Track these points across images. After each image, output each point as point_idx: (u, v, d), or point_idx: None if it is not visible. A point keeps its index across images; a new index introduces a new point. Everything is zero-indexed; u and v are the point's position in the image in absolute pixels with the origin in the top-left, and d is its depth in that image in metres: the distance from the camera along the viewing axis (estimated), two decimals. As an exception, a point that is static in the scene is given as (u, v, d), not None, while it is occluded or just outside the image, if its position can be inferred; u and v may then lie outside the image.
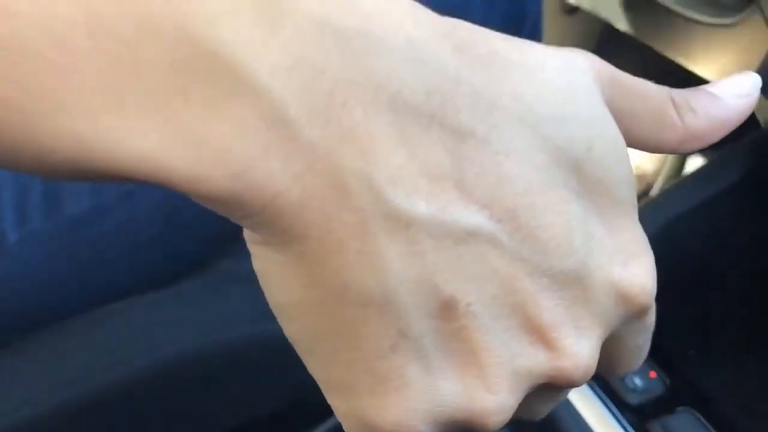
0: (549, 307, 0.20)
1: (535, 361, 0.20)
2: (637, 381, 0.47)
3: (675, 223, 0.60)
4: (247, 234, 0.20)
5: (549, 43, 0.87)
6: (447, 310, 0.19)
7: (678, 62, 0.82)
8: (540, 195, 0.19)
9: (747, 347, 0.65)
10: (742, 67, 0.69)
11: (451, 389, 0.20)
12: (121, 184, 0.46)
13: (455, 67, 0.18)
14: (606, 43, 1.33)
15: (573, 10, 1.28)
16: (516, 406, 0.21)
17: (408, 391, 0.20)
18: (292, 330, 0.21)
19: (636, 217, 0.22)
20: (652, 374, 0.48)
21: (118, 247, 0.50)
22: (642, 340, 0.25)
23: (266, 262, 0.20)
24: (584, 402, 0.47)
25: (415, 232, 0.18)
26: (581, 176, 0.20)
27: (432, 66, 0.18)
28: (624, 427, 0.46)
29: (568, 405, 0.47)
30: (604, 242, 0.21)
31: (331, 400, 0.21)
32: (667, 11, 0.78)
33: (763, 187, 0.62)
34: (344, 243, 0.18)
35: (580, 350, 0.20)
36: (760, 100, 0.57)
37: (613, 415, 0.46)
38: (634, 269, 0.22)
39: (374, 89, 0.17)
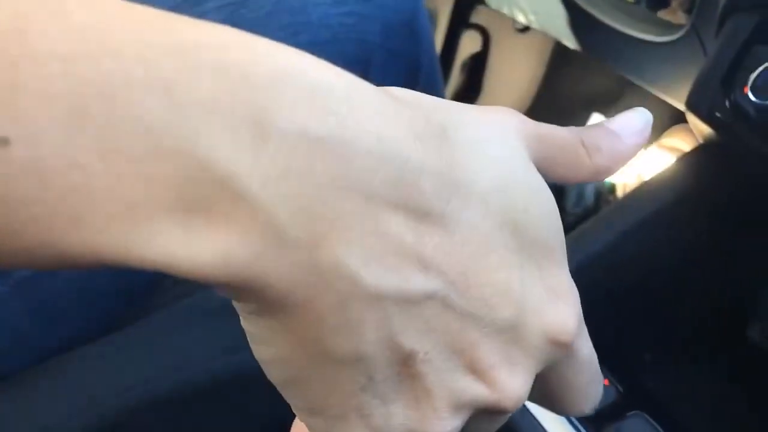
0: (488, 350, 0.23)
1: (477, 394, 0.24)
2: (592, 389, 0.49)
3: (623, 236, 0.62)
4: (235, 303, 0.23)
5: (504, 59, 0.91)
6: (407, 360, 0.23)
7: (622, 75, 0.85)
8: (485, 257, 0.23)
9: (697, 353, 0.67)
10: (680, 81, 0.73)
11: (408, 417, 0.23)
12: None
13: (417, 158, 0.21)
14: (556, 58, 1.37)
15: (525, 29, 1.31)
16: (460, 427, 0.24)
17: (372, 419, 0.23)
18: (275, 376, 0.24)
19: (565, 262, 0.26)
20: (606, 382, 0.50)
21: (71, 301, 0.50)
22: (583, 379, 0.27)
23: (255, 327, 0.23)
24: (542, 411, 0.49)
25: (385, 303, 0.21)
26: (518, 235, 0.24)
27: (399, 160, 0.21)
28: (580, 434, 0.48)
29: (527, 413, 0.49)
30: (536, 289, 0.24)
31: (306, 421, 0.25)
32: (611, 30, 0.80)
33: (703, 199, 0.65)
34: (324, 318, 0.21)
35: (512, 384, 0.24)
36: (694, 119, 0.59)
37: (570, 422, 0.48)
38: (559, 309, 0.25)
39: (351, 186, 0.20)
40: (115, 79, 0.18)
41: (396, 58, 0.58)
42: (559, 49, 1.34)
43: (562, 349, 0.25)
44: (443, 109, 0.24)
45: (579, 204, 1.04)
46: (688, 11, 0.71)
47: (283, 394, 0.25)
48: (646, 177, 0.70)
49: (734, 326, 0.70)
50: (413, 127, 0.22)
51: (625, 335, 0.60)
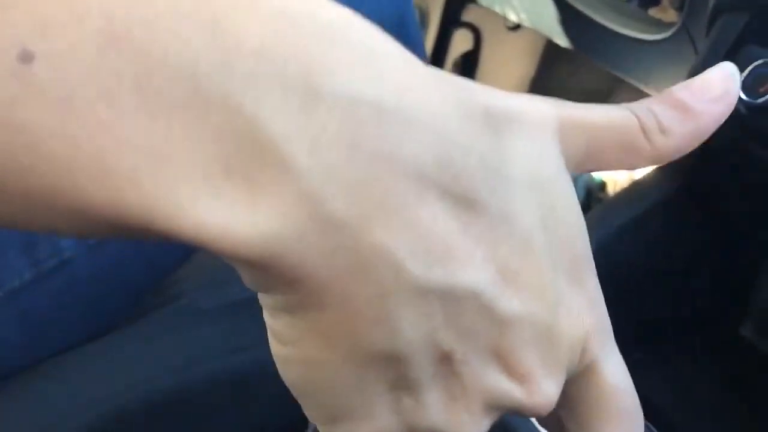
0: (526, 354, 0.22)
1: (513, 397, 0.22)
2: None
3: (613, 235, 0.62)
4: (262, 298, 0.21)
5: (495, 57, 0.91)
6: (444, 359, 0.21)
7: (613, 73, 0.85)
8: (525, 256, 0.21)
9: (689, 352, 0.67)
10: (671, 78, 0.73)
11: (439, 416, 0.22)
12: (58, 253, 0.47)
13: (467, 139, 0.19)
14: (548, 56, 1.37)
15: (516, 27, 1.31)
16: (488, 426, 0.23)
17: (400, 419, 0.22)
18: (295, 378, 0.22)
19: (593, 268, 0.24)
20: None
21: (61, 312, 0.50)
22: (610, 410, 0.25)
23: (281, 323, 0.20)
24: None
25: (429, 298, 0.19)
26: (551, 235, 0.21)
27: (451, 140, 0.19)
28: (573, 434, 0.47)
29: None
30: (571, 296, 0.23)
31: (326, 429, 0.23)
32: (602, 28, 0.81)
33: (694, 198, 0.65)
34: (362, 312, 0.19)
35: (548, 389, 0.22)
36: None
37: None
38: (593, 315, 0.23)
39: (403, 164, 0.18)
40: (158, 2, 0.16)
41: None
42: (550, 47, 1.34)
43: (588, 355, 0.23)
44: (483, 90, 0.21)
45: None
46: (679, 9, 0.71)
47: (301, 400, 0.22)
48: (637, 175, 0.70)
49: (727, 325, 0.70)
50: (461, 106, 0.20)
51: (617, 334, 0.60)
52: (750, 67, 0.51)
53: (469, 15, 1.28)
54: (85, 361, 0.53)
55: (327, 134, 0.17)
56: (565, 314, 0.22)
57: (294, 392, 0.23)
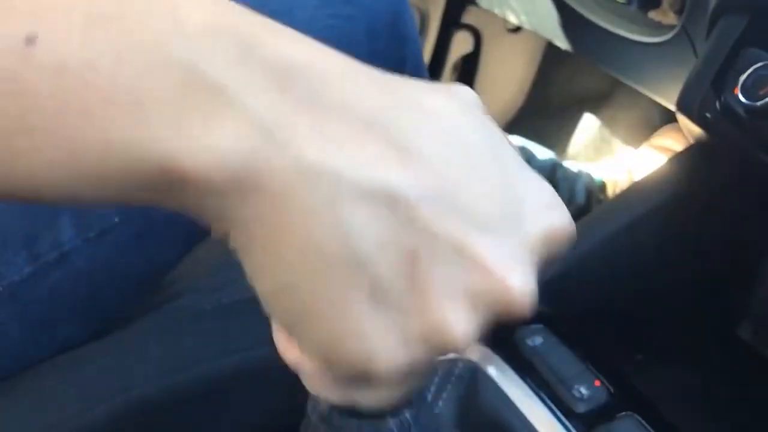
0: (489, 247, 0.24)
1: (487, 288, 0.24)
2: (583, 390, 0.50)
3: (614, 236, 0.63)
4: (233, 240, 0.24)
5: (495, 59, 0.91)
6: (411, 261, 0.23)
7: (613, 75, 0.85)
8: (472, 165, 0.24)
9: (688, 353, 0.67)
10: (671, 81, 0.73)
11: (423, 322, 0.23)
12: (58, 246, 0.47)
13: (378, 87, 0.25)
14: (548, 58, 1.37)
15: (516, 29, 1.31)
16: (478, 331, 0.24)
17: (386, 330, 0.23)
18: (281, 311, 0.24)
19: (543, 178, 0.27)
20: (597, 383, 0.50)
21: (61, 308, 0.50)
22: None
23: (248, 251, 0.23)
24: (533, 412, 0.49)
25: (375, 202, 0.22)
26: (486, 143, 0.26)
27: (365, 88, 0.24)
28: (572, 435, 0.48)
29: (519, 414, 0.49)
30: (530, 191, 0.26)
31: (301, 356, 0.25)
32: (602, 30, 0.81)
33: (694, 200, 0.65)
34: (318, 217, 0.22)
35: (519, 278, 0.24)
36: (684, 119, 0.60)
37: (561, 423, 0.48)
38: (556, 212, 0.26)
39: (331, 103, 0.23)
40: None
41: (381, 59, 0.58)
42: (550, 49, 1.34)
43: (561, 249, 0.26)
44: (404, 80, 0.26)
45: (571, 203, 1.05)
46: (679, 12, 0.71)
47: (295, 334, 0.25)
48: (638, 177, 0.70)
49: (725, 326, 0.70)
50: (370, 72, 0.25)
51: (617, 336, 0.60)
52: (750, 70, 0.51)
53: (469, 17, 1.28)
54: (84, 361, 0.53)
55: (260, 83, 0.22)
56: (531, 209, 0.25)
57: (287, 328, 0.25)
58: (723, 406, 0.64)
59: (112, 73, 0.20)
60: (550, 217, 0.26)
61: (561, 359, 0.52)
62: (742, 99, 0.51)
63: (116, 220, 0.49)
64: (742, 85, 0.51)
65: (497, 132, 0.27)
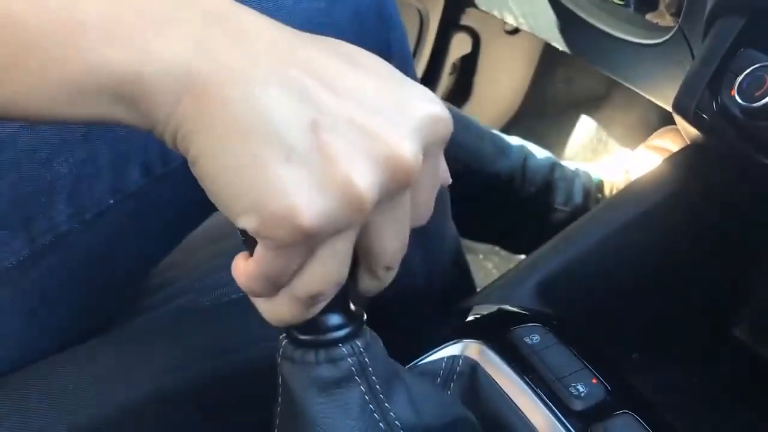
0: (378, 120, 0.30)
1: (383, 152, 0.30)
2: (580, 387, 0.50)
3: (611, 236, 0.63)
4: (174, 134, 0.30)
5: (493, 61, 0.91)
6: (314, 128, 0.29)
7: (610, 76, 0.86)
8: (368, 72, 0.32)
9: (685, 352, 0.68)
10: (668, 82, 0.73)
11: (332, 176, 0.29)
12: (54, 228, 0.47)
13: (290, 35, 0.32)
14: (545, 60, 1.37)
15: (514, 31, 1.31)
16: (377, 186, 0.30)
17: (304, 184, 0.29)
18: (218, 185, 0.30)
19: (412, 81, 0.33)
20: (594, 381, 0.51)
21: (57, 288, 0.50)
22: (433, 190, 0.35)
23: (191, 141, 0.29)
24: (531, 409, 0.49)
25: (287, 82, 0.29)
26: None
27: (276, 36, 0.31)
28: (569, 432, 0.48)
29: (517, 412, 0.50)
30: (414, 94, 0.32)
31: (245, 222, 0.30)
32: (600, 32, 0.81)
33: (691, 200, 0.66)
34: (235, 104, 0.28)
35: (406, 145, 0.30)
36: (681, 120, 0.60)
37: (559, 421, 0.49)
38: (436, 107, 0.32)
39: (248, 33, 0.30)
40: None
41: (368, 40, 0.59)
42: (548, 50, 1.35)
43: (444, 133, 0.32)
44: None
45: (568, 203, 1.05)
46: (676, 14, 0.72)
47: (229, 204, 0.30)
48: (635, 177, 0.71)
49: (721, 325, 0.71)
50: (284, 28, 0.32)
51: (614, 334, 0.60)
52: (746, 71, 0.52)
53: (468, 19, 1.28)
54: (82, 360, 0.53)
55: (201, 19, 0.30)
56: (412, 96, 0.32)
57: (226, 204, 0.30)
58: (719, 404, 0.65)
59: (91, 10, 0.28)
60: (430, 107, 0.32)
61: (558, 357, 0.52)
62: (739, 100, 0.51)
63: (111, 201, 0.49)
64: (739, 87, 0.52)
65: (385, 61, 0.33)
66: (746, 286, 0.69)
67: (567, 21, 0.87)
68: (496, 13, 1.02)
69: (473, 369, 0.52)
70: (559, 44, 0.91)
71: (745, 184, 0.64)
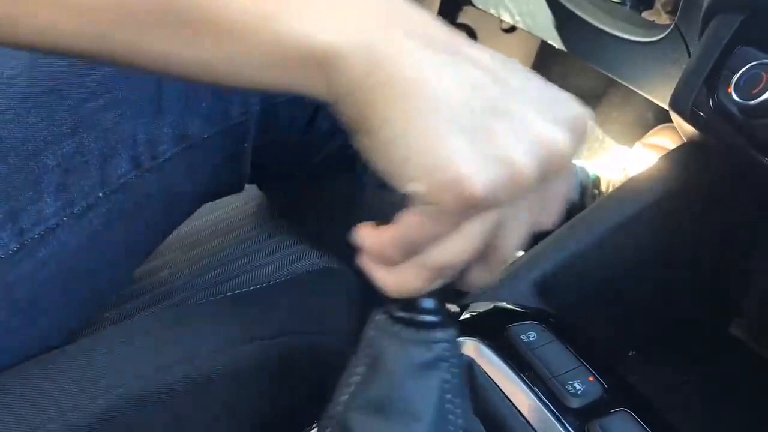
0: (544, 122, 0.33)
1: (542, 140, 0.33)
2: (577, 385, 0.50)
3: (608, 234, 0.63)
4: (352, 106, 0.32)
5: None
6: (487, 111, 0.32)
7: (607, 74, 0.85)
8: (523, 78, 0.35)
9: (682, 350, 0.68)
10: (664, 80, 0.73)
11: (500, 149, 0.32)
12: (42, 221, 0.47)
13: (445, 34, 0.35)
14: (542, 58, 1.37)
15: (511, 29, 1.31)
16: (537, 166, 0.32)
17: (477, 157, 0.31)
18: (392, 153, 0.32)
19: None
20: (591, 379, 0.51)
21: (47, 282, 0.50)
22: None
23: (367, 113, 0.32)
24: (528, 407, 0.49)
25: (453, 60, 0.32)
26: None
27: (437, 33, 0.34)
28: (566, 430, 0.48)
29: (514, 409, 0.50)
30: (562, 97, 0.36)
31: (415, 186, 0.32)
32: (596, 30, 0.81)
33: (687, 198, 0.66)
34: (425, 75, 0.31)
35: (562, 137, 0.33)
36: (678, 118, 0.60)
37: (556, 418, 0.48)
38: (580, 108, 0.35)
39: (418, 32, 0.33)
40: None
41: None
42: (544, 48, 1.35)
43: (584, 131, 0.35)
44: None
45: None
46: (672, 12, 0.72)
47: (403, 170, 0.32)
48: (632, 174, 0.71)
49: (718, 323, 0.71)
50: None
51: (611, 332, 0.61)
52: (743, 69, 0.52)
53: (464, 16, 1.28)
54: (76, 357, 0.53)
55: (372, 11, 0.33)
56: (560, 103, 0.35)
57: (400, 170, 0.32)
58: (715, 402, 0.65)
59: None
60: (579, 107, 0.35)
61: (555, 355, 0.52)
62: (736, 98, 0.51)
63: (99, 194, 0.49)
64: (736, 84, 0.52)
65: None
66: (743, 284, 0.69)
67: (563, 19, 0.87)
68: (492, 11, 1.02)
69: (470, 367, 0.52)
70: (556, 42, 0.91)
71: (742, 182, 0.64)
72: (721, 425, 0.63)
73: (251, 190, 0.75)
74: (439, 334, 0.39)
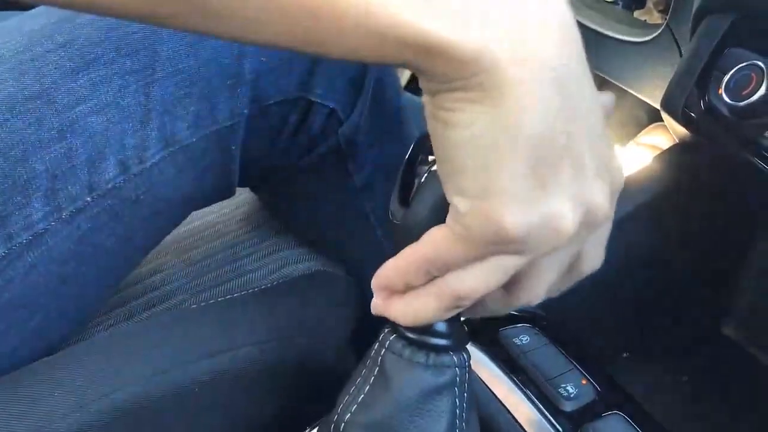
0: (598, 177, 0.33)
1: (589, 199, 0.32)
2: (570, 389, 0.50)
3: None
4: (443, 97, 0.31)
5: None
6: (555, 154, 0.31)
7: (598, 74, 0.85)
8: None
9: (674, 352, 0.68)
10: (655, 80, 0.73)
11: (545, 203, 0.31)
12: (30, 226, 0.47)
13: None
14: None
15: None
16: (577, 224, 0.32)
17: (518, 198, 0.31)
18: (461, 156, 0.31)
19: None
20: (584, 382, 0.51)
21: (36, 288, 0.50)
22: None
23: (463, 112, 0.30)
24: (521, 410, 0.49)
25: (554, 84, 0.30)
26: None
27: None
28: (559, 433, 0.48)
29: (506, 412, 0.50)
30: (617, 159, 0.35)
31: (457, 201, 0.32)
32: (587, 29, 0.81)
33: (679, 198, 0.66)
34: (526, 98, 0.30)
35: (609, 203, 0.34)
36: (669, 118, 0.60)
37: (548, 421, 0.49)
38: (622, 175, 0.36)
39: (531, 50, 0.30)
40: None
41: None
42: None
43: (617, 191, 0.35)
44: None
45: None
46: (664, 12, 0.72)
47: (460, 175, 0.31)
48: (625, 174, 0.70)
49: (710, 324, 0.71)
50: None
51: (603, 334, 0.61)
52: (733, 70, 0.52)
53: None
54: (71, 363, 0.52)
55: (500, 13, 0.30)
56: (613, 165, 0.34)
57: (456, 169, 0.31)
58: (708, 403, 0.65)
59: None
60: (622, 176, 0.35)
61: (548, 358, 0.52)
62: (726, 99, 0.51)
63: (88, 199, 0.49)
64: (726, 85, 0.52)
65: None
66: (735, 284, 0.70)
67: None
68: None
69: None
70: (548, 42, 0.91)
71: (734, 182, 0.64)
72: (714, 426, 0.63)
73: (243, 194, 0.75)
74: (451, 358, 0.38)
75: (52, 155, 0.47)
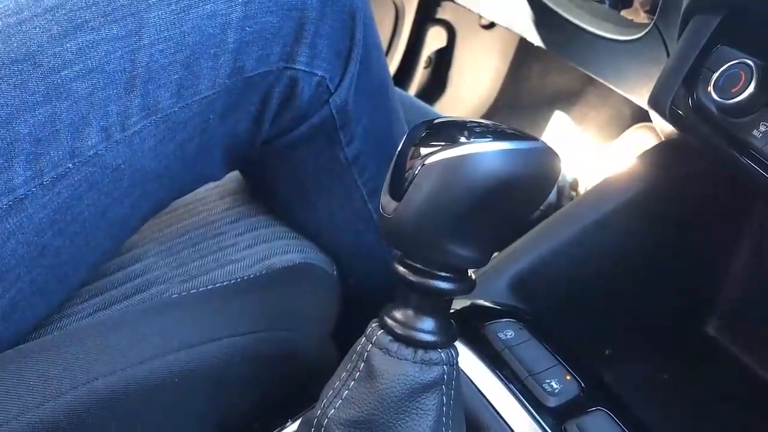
0: None
1: None
2: (554, 384, 0.50)
3: (584, 233, 0.63)
4: None
5: (469, 55, 0.91)
6: None
7: (585, 72, 0.85)
8: None
9: (657, 348, 0.68)
10: (642, 79, 0.73)
11: None
12: (11, 190, 0.46)
13: None
14: (521, 54, 1.37)
15: (490, 25, 1.31)
16: None
17: None
18: None
19: None
20: (568, 377, 0.50)
21: (13, 256, 0.49)
22: None
23: None
24: (505, 405, 0.49)
25: None
26: None
27: None
28: (543, 429, 0.48)
29: (490, 408, 0.49)
30: None
31: None
32: (576, 27, 0.81)
33: (663, 196, 0.66)
34: None
35: None
36: (657, 116, 0.60)
37: (532, 417, 0.48)
38: None
39: None
40: None
41: (332, 1, 0.58)
42: (523, 45, 1.35)
43: None
44: None
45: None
46: (651, 11, 0.72)
47: None
48: (608, 173, 0.71)
49: (693, 322, 0.71)
50: None
51: (587, 330, 0.61)
52: (722, 68, 0.52)
53: (443, 12, 1.28)
54: (46, 351, 0.52)
55: None
56: None
57: None
58: (690, 400, 0.65)
59: None
60: None
61: (532, 353, 0.52)
62: (715, 97, 0.51)
63: (69, 165, 0.49)
64: (715, 83, 0.52)
65: None
66: (718, 283, 0.70)
67: (542, 16, 0.87)
68: (471, 7, 1.02)
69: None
70: (535, 39, 0.91)
71: (719, 181, 0.64)
72: (697, 423, 0.63)
73: (229, 183, 0.74)
74: (439, 355, 0.37)
75: (36, 118, 0.47)
